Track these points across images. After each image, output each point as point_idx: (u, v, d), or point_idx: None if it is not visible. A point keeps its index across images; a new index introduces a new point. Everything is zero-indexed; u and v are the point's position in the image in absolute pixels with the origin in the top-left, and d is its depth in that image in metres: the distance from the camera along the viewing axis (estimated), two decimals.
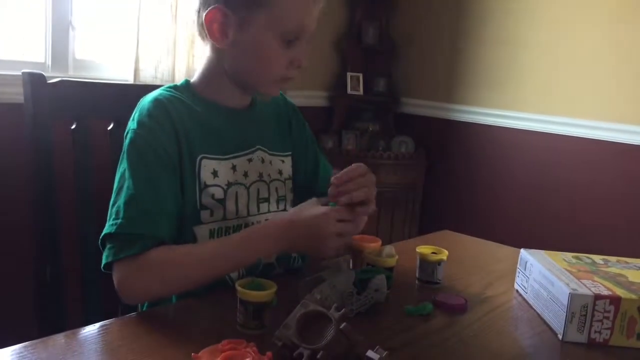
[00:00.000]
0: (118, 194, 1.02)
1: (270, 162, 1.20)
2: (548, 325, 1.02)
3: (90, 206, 1.20)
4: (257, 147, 1.18)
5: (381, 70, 3.22)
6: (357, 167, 1.05)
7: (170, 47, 2.21)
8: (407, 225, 3.08)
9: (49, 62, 2.09)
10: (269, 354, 0.78)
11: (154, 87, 1.16)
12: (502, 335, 0.99)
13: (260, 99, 1.20)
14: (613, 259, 1.16)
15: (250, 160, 1.16)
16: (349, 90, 3.11)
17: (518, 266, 1.19)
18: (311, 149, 1.32)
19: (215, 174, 1.10)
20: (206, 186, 1.09)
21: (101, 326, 0.92)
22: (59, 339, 0.87)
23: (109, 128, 1.25)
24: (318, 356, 0.76)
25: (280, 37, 1.06)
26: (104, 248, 1.01)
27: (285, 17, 1.05)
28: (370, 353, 0.76)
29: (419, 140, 3.14)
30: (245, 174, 1.15)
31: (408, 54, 3.23)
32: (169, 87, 1.14)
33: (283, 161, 1.24)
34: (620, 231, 2.53)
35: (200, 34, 1.12)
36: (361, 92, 3.13)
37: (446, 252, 1.18)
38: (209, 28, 1.07)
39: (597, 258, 1.16)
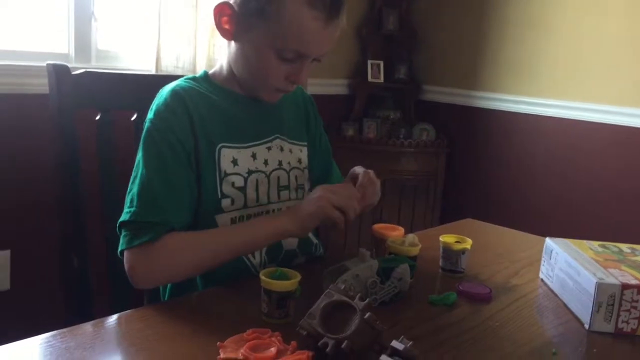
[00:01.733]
0: (133, 182, 1.04)
1: (290, 151, 1.21)
2: (574, 315, 1.01)
3: (114, 195, 1.21)
4: (276, 135, 1.19)
5: (402, 57, 3.19)
6: (361, 175, 1.11)
7: (191, 37, 2.22)
8: (429, 214, 3.06)
9: (72, 53, 2.11)
10: (293, 343, 0.78)
11: (175, 77, 1.16)
12: (528, 325, 0.99)
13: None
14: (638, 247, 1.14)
15: (269, 148, 1.17)
16: (369, 78, 3.09)
17: (543, 255, 1.17)
18: (324, 147, 1.33)
19: (235, 162, 1.11)
20: (226, 175, 1.10)
21: (128, 314, 0.93)
22: (87, 327, 0.88)
23: (132, 118, 1.25)
24: (342, 346, 0.76)
25: (275, 52, 1.05)
26: (120, 235, 1.03)
27: (283, 37, 1.03)
28: (395, 343, 0.76)
29: (440, 128, 3.11)
30: (265, 162, 1.15)
31: (429, 41, 3.20)
32: (188, 78, 1.15)
33: (301, 150, 1.24)
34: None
35: None
36: (382, 79, 3.11)
37: (470, 240, 1.17)
38: (217, 20, 1.08)
39: (624, 247, 1.14)
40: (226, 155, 1.10)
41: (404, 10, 3.15)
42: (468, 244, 1.16)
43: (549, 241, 1.16)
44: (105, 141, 1.21)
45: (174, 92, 1.08)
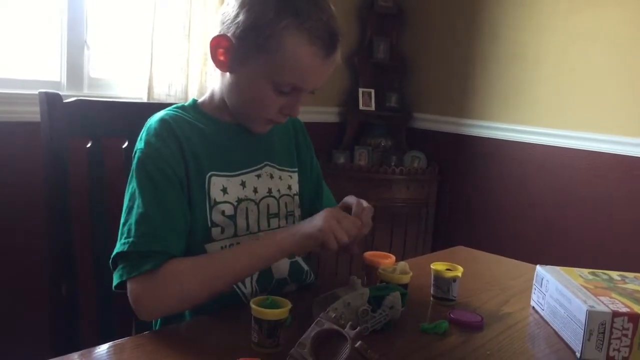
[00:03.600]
0: (129, 213, 1.03)
1: (280, 178, 1.21)
2: (565, 343, 1.01)
3: (104, 223, 1.20)
4: (265, 163, 1.19)
5: (393, 85, 3.23)
6: (355, 205, 1.10)
7: (183, 66, 2.23)
8: (420, 241, 3.07)
9: (64, 81, 2.11)
10: None
11: (167, 105, 1.17)
12: (519, 353, 0.98)
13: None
14: (630, 275, 1.15)
15: (259, 176, 1.17)
16: (360, 106, 3.11)
17: (534, 283, 1.17)
18: (315, 172, 1.33)
19: (224, 190, 1.11)
20: (216, 203, 1.09)
21: (115, 345, 0.92)
22: (74, 357, 0.87)
23: (123, 146, 1.25)
24: None
25: (272, 84, 1.07)
26: (115, 267, 1.02)
27: (281, 71, 1.05)
28: None
29: (431, 156, 3.13)
30: (255, 190, 1.15)
31: (419, 69, 3.24)
32: (176, 107, 1.15)
33: (291, 177, 1.24)
34: (636, 247, 2.50)
35: None
36: (373, 107, 3.14)
37: (461, 268, 1.17)
38: (213, 52, 1.09)
39: (614, 274, 1.15)
40: (216, 183, 1.10)
41: (394, 39, 3.19)
42: (459, 271, 1.16)
43: (539, 269, 1.17)
44: (96, 169, 1.21)
45: (163, 121, 1.08)
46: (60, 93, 1.17)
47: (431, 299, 1.17)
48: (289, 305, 0.91)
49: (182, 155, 1.07)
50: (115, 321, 1.20)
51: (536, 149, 2.81)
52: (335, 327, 0.80)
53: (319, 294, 1.01)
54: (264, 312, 0.89)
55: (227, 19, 1.07)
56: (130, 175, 1.06)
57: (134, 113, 1.27)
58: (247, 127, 1.16)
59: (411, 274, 1.14)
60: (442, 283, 1.15)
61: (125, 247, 0.99)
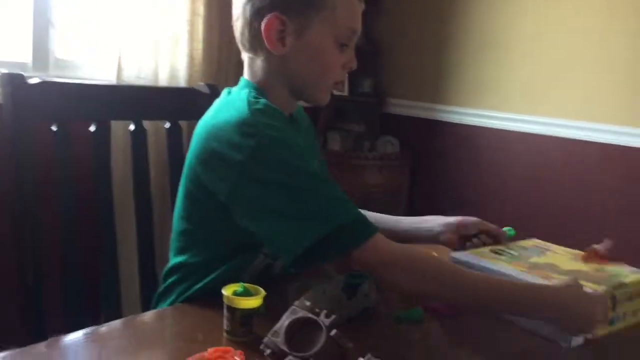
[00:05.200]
0: (314, 191, 0.95)
1: None
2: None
3: (72, 210, 1.17)
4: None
5: (366, 70, 3.21)
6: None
7: (153, 47, 2.18)
8: None
9: (31, 62, 2.05)
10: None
11: (137, 88, 1.13)
12: (494, 338, 0.99)
13: (311, 105, 1.18)
14: (524, 244, 1.27)
15: None
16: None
17: None
18: (323, 162, 1.32)
19: None
20: None
21: (84, 334, 0.89)
22: (41, 348, 0.84)
23: (91, 129, 1.22)
24: None
25: (335, 40, 1.07)
26: (334, 240, 0.92)
27: (340, 20, 1.06)
28: None
29: (404, 141, 3.13)
30: None
31: (393, 55, 3.23)
32: (251, 87, 1.08)
33: None
34: (608, 229, 2.55)
35: (251, 45, 1.07)
36: (346, 92, 3.12)
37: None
38: (268, 36, 1.04)
39: (512, 250, 1.19)
40: None
41: (368, 24, 3.16)
42: None
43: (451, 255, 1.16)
44: (62, 153, 1.17)
45: (268, 106, 1.02)
46: (26, 74, 1.12)
47: None
48: (263, 293, 0.89)
49: None
50: (84, 311, 1.18)
51: (509, 135, 2.83)
52: (310, 315, 0.79)
53: (294, 282, 0.99)
54: (237, 301, 0.87)
55: (263, 2, 1.03)
56: (273, 164, 0.96)
57: (102, 95, 1.24)
58: (313, 100, 1.14)
59: None
60: None
61: (349, 218, 0.93)
